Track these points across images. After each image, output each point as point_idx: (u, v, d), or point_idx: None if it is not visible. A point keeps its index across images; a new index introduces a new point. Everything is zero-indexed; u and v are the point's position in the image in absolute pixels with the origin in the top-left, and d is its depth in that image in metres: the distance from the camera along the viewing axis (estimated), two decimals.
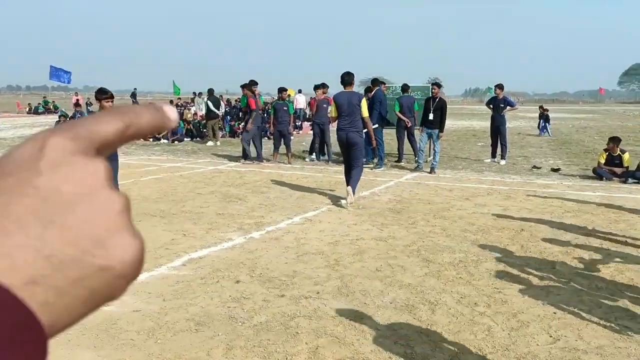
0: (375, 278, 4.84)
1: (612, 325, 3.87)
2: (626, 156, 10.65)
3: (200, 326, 3.86)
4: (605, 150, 10.98)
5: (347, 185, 7.97)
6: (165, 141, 18.30)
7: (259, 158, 12.75)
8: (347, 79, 8.06)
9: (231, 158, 13.96)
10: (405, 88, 12.98)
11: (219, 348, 3.52)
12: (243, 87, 13.12)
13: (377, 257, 5.46)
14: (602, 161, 10.81)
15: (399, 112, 12.67)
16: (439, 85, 11.92)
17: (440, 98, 11.54)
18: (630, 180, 10.19)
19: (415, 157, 13.00)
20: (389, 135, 20.76)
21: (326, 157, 13.44)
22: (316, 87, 13.31)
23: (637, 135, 20.81)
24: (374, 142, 9.46)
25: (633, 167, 10.51)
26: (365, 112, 8.08)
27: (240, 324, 3.90)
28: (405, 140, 13.07)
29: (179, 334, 3.74)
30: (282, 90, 13.08)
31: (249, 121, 12.68)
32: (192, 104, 24.86)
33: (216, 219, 7.08)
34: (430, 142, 11.87)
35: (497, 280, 4.77)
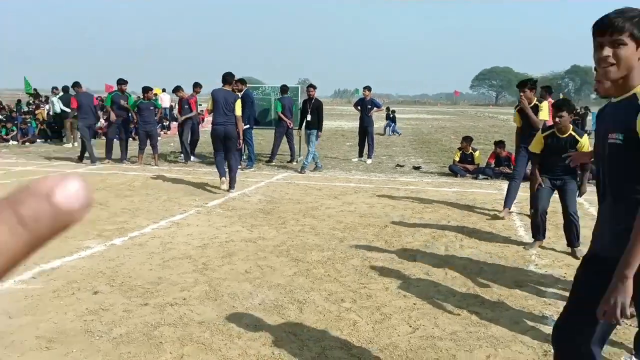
0: (244, 280, 4.78)
1: (465, 311, 4.17)
2: (477, 154, 11.62)
3: (52, 343, 3.54)
4: (459, 149, 11.90)
5: (222, 177, 8.99)
6: (15, 142, 16.74)
7: (91, 159, 12.21)
8: (228, 78, 8.96)
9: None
10: (284, 89, 13.06)
11: None
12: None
13: (247, 258, 5.40)
14: (457, 159, 11.71)
15: (282, 112, 12.72)
16: (314, 87, 12.13)
17: (316, 99, 11.85)
18: (480, 176, 11.11)
19: (292, 157, 13.15)
20: (260, 136, 20.78)
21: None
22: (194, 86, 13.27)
23: (487, 135, 22.79)
24: (241, 143, 9.49)
25: (483, 164, 11.47)
26: (238, 112, 8.84)
27: (97, 337, 3.64)
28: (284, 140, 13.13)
29: (28, 354, 3.41)
30: (147, 89, 12.52)
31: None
32: (46, 102, 22.94)
33: (72, 226, 6.56)
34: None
35: (362, 276, 4.93)
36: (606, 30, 2.05)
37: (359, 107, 13.91)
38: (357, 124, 14.37)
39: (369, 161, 13.45)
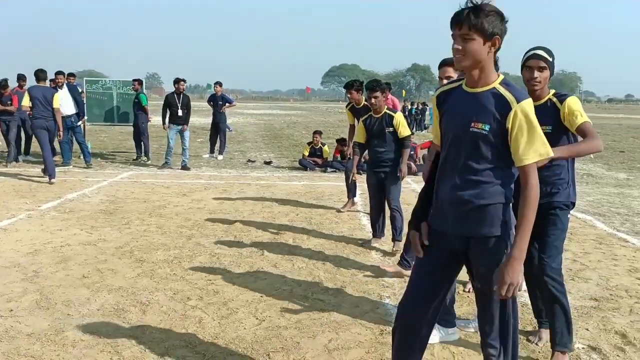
0: (81, 286, 4.48)
1: (310, 300, 4.31)
2: (326, 148, 12.06)
3: None
4: (309, 143, 12.26)
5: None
6: None
7: None
8: (41, 75, 9.77)
9: None
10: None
11: None
12: None
13: (85, 262, 5.07)
14: (306, 153, 12.05)
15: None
16: (184, 81, 11.63)
17: (184, 94, 11.49)
18: (329, 169, 11.56)
19: (144, 154, 12.55)
20: (104, 132, 19.64)
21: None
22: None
23: (336, 129, 23.71)
24: (61, 134, 10.02)
25: (330, 158, 11.94)
26: (56, 104, 9.64)
27: None
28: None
29: None
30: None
31: None
32: None
33: None
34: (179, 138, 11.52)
35: (210, 273, 4.88)
36: (458, 24, 2.25)
37: (211, 103, 13.73)
38: (208, 120, 14.15)
39: (220, 157, 13.33)
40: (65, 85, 11.32)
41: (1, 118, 11.52)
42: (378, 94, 5.65)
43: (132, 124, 12.76)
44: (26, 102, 9.54)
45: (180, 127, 11.42)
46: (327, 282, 4.75)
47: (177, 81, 11.58)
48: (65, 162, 11.24)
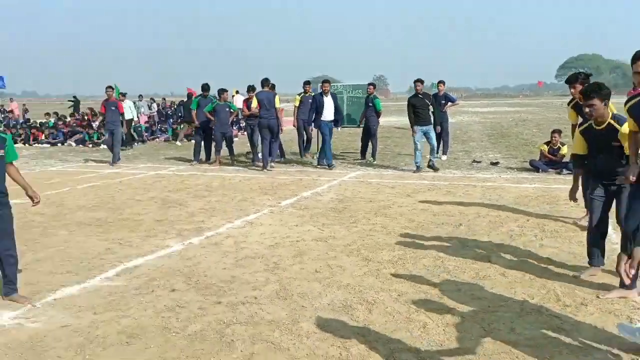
0: (314, 280, 4.80)
1: (544, 316, 3.97)
2: (565, 148, 11.00)
3: (132, 339, 3.72)
4: (547, 143, 11.31)
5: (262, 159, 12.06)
6: (104, 147, 17.73)
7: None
8: (265, 82, 12.05)
9: (173, 162, 13.68)
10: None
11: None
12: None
13: (317, 258, 5.43)
14: (545, 152, 11.11)
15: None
16: (422, 82, 11.68)
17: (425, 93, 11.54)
18: (564, 171, 10.56)
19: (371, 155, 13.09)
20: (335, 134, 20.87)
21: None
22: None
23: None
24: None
25: (567, 159, 10.89)
26: (277, 104, 11.97)
27: (174, 334, 3.79)
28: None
29: (110, 348, 3.59)
30: (222, 91, 12.90)
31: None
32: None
33: (154, 225, 6.89)
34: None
35: (434, 277, 4.82)
36: None
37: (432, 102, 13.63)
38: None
39: (444, 157, 13.15)
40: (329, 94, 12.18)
41: (247, 122, 13.07)
42: (595, 101, 4.47)
43: (360, 126, 13.39)
44: (254, 104, 12.08)
45: (426, 127, 11.26)
46: (564, 297, 4.31)
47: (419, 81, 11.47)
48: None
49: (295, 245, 5.89)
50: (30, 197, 4.66)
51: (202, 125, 13.13)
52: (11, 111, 27.29)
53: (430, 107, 11.47)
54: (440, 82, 13.66)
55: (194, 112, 13.29)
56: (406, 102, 11.67)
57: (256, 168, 12.24)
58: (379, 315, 4.03)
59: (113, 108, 13.09)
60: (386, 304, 4.23)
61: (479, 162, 12.49)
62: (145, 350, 3.56)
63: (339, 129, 14.33)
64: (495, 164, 12.12)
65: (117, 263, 5.38)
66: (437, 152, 13.43)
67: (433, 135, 11.33)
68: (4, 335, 3.79)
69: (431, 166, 11.13)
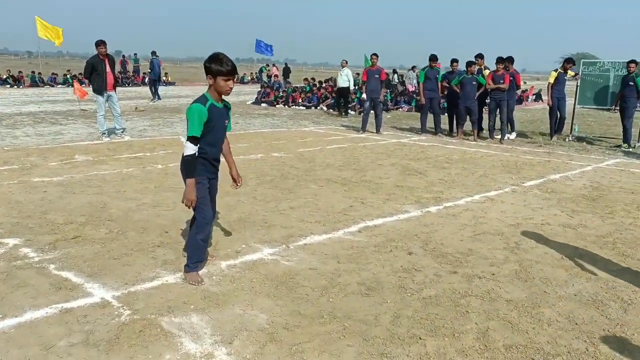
0: (559, 267, 4.46)
1: None
2: None
3: (371, 291, 3.94)
4: None
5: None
6: (353, 113, 18.80)
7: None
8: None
9: (415, 132, 13.88)
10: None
11: (386, 314, 3.56)
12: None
13: (564, 244, 5.02)
14: None
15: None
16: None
17: None
18: None
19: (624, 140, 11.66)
20: (591, 116, 18.89)
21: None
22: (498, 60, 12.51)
23: None
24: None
25: None
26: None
27: (409, 294, 3.90)
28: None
29: (350, 296, 3.86)
30: (470, 63, 12.54)
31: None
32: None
33: (394, 190, 7.12)
34: None
35: None
36: None
37: None
38: None
39: None
40: None
41: (492, 97, 12.45)
42: None
43: (615, 110, 11.90)
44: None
45: None
46: None
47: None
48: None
49: (539, 227, 5.54)
50: (234, 179, 4.23)
51: (447, 97, 13.04)
52: (275, 75, 30.58)
53: None
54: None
55: (421, 85, 13.22)
56: None
57: (499, 144, 11.75)
58: (636, 316, 3.58)
59: (376, 76, 13.50)
60: None
61: None
62: (381, 304, 3.73)
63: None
64: None
65: (359, 220, 5.71)
66: None
67: None
68: (264, 268, 4.35)
69: None
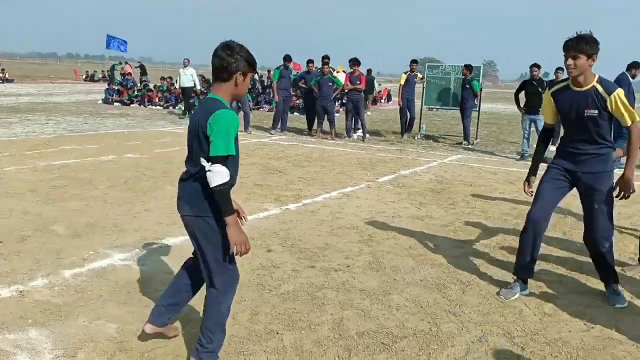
0: (407, 255, 4.76)
1: None
2: None
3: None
4: None
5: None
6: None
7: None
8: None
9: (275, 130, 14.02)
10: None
11: (244, 313, 3.54)
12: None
13: (412, 235, 5.37)
14: None
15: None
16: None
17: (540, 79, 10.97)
18: None
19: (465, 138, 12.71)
20: (437, 117, 20.38)
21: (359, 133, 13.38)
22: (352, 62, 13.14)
23: None
24: None
25: None
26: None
27: (267, 291, 3.92)
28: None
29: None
30: (324, 64, 12.95)
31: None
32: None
33: (254, 189, 7.12)
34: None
35: (535, 266, 4.60)
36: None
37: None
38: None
39: (552, 147, 12.44)
40: None
41: (350, 97, 13.01)
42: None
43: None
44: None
45: (535, 115, 10.60)
46: None
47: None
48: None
49: (391, 220, 5.86)
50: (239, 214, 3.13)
51: (305, 97, 13.39)
52: (129, 73, 29.09)
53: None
54: (559, 69, 12.89)
55: (275, 83, 13.51)
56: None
57: (356, 142, 12.27)
58: (472, 296, 3.93)
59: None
60: (481, 286, 4.11)
61: None
62: (239, 303, 3.70)
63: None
64: None
65: None
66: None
67: (541, 124, 10.69)
68: (114, 274, 4.10)
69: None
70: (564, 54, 3.63)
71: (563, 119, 3.88)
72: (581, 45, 3.53)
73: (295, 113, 18.36)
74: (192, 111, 2.99)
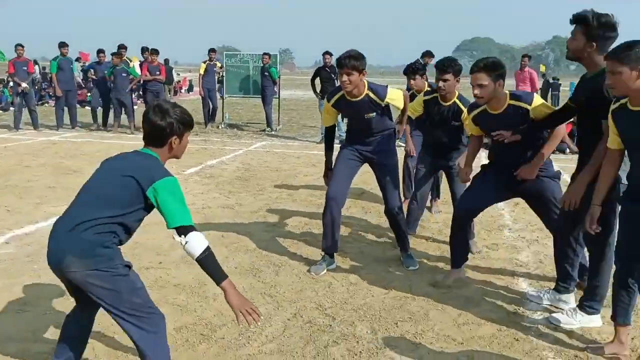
0: (220, 245, 4.79)
1: (438, 273, 4.23)
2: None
3: (25, 306, 3.53)
4: None
5: None
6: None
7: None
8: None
9: (68, 128, 12.88)
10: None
11: (49, 327, 3.25)
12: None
13: (224, 224, 5.40)
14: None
15: None
16: (330, 54, 11.64)
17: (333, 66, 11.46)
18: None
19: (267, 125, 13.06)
20: (239, 105, 20.58)
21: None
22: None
23: None
24: None
25: None
26: None
27: (72, 301, 3.63)
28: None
29: (3, 316, 3.39)
30: (118, 54, 12.20)
31: None
32: None
33: (46, 192, 6.50)
34: None
35: (341, 242, 4.96)
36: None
37: None
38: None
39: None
40: None
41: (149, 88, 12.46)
42: (449, 75, 4.48)
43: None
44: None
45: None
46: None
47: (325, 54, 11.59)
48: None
49: (201, 212, 5.82)
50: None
51: (100, 90, 12.50)
52: None
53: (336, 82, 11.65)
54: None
55: (54, 75, 12.46)
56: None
57: None
58: (286, 276, 4.11)
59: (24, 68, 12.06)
60: (293, 266, 4.32)
61: None
62: (42, 316, 3.39)
63: None
64: None
65: (6, 230, 5.05)
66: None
67: None
68: None
69: None
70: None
71: (349, 120, 4.54)
72: (352, 63, 3.92)
73: (87, 107, 17.05)
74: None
